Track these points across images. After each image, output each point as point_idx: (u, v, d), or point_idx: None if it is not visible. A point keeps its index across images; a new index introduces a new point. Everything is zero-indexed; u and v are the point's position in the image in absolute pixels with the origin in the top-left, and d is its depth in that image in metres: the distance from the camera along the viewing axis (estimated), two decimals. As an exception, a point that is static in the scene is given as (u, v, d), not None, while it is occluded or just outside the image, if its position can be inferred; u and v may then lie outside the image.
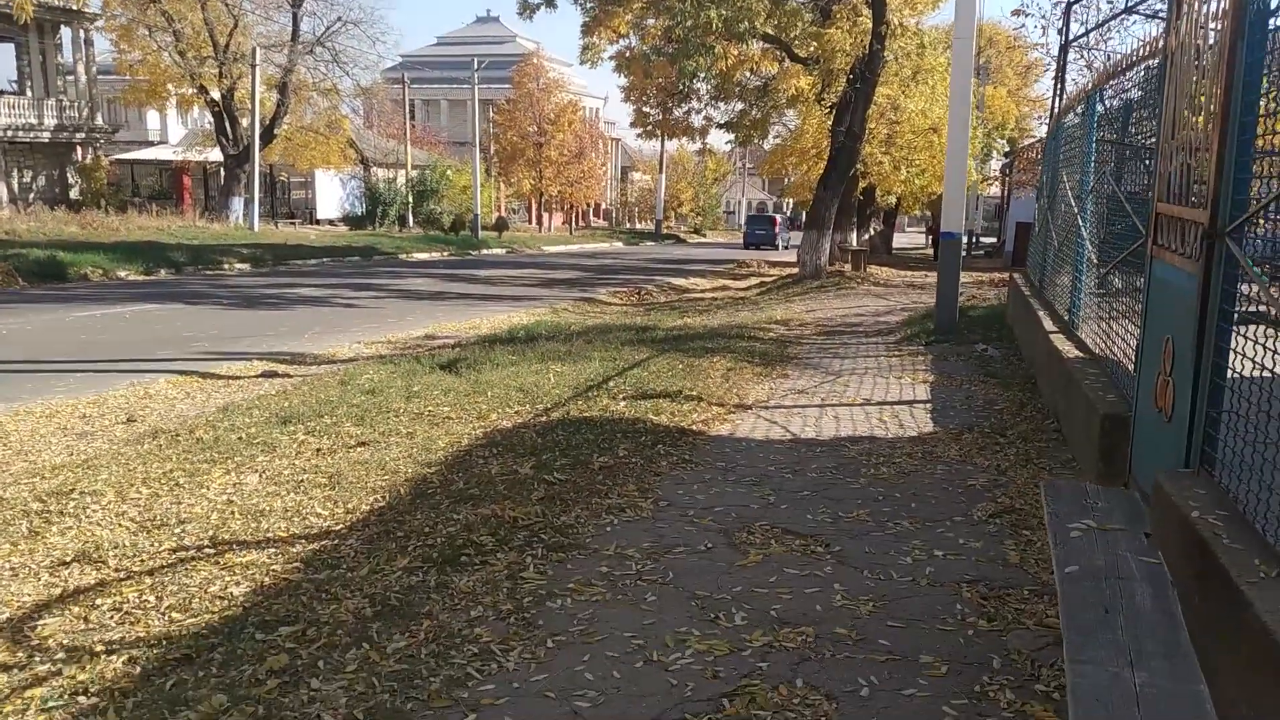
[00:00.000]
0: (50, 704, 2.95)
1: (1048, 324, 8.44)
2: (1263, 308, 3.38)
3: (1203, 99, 4.02)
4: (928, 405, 7.79)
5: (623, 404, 7.43)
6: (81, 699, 2.98)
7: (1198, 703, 2.06)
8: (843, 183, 20.21)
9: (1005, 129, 35.14)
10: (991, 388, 8.40)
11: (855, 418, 7.35)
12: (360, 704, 2.94)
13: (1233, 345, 3.76)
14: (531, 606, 3.73)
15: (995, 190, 38.86)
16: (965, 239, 36.03)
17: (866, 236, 29.45)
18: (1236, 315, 3.68)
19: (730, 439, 6.63)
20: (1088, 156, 7.64)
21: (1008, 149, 34.98)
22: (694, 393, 8.01)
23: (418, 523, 4.63)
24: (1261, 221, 3.73)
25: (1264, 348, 3.38)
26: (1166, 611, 2.46)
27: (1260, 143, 3.63)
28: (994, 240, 36.84)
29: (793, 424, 7.13)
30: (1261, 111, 3.61)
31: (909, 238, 54.01)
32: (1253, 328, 3.52)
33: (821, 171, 20.85)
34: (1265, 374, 3.25)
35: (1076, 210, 7.78)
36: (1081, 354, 7.06)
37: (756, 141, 29.53)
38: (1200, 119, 4.04)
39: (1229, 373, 3.76)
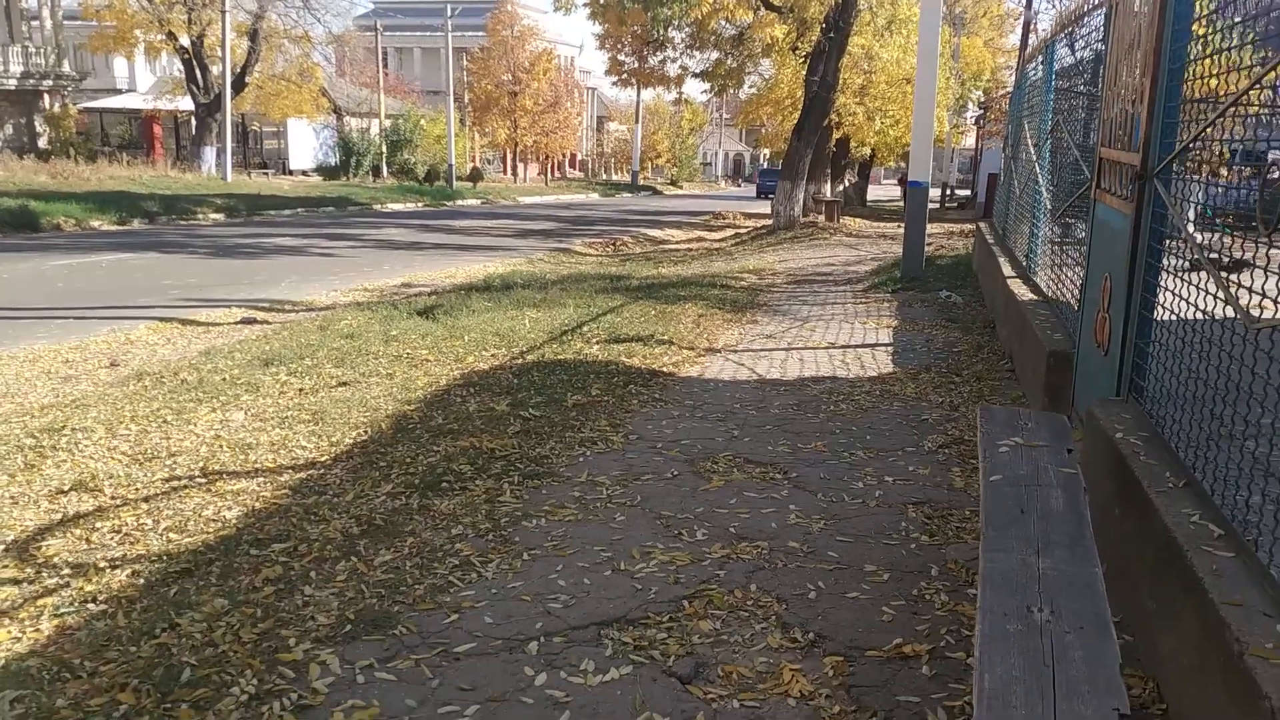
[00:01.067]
0: (62, 610, 3.19)
1: (1007, 269, 8.74)
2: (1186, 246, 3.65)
3: (1139, 47, 4.26)
4: (889, 348, 8.10)
5: (596, 348, 7.67)
6: (91, 606, 3.23)
7: (1091, 582, 2.35)
8: (816, 133, 20.33)
9: (981, 80, 35.25)
10: (952, 331, 8.71)
11: (819, 360, 7.64)
12: (351, 607, 3.21)
13: (1161, 282, 4.05)
14: (508, 526, 4.00)
15: (972, 142, 39.02)
16: (940, 191, 36.40)
17: (841, 188, 29.61)
18: (1188, 263, 3.93)
19: (699, 380, 6.90)
20: (1046, 104, 7.87)
21: (983, 100, 35.10)
22: (665, 337, 8.26)
23: (399, 454, 4.89)
24: (1226, 171, 3.98)
25: (1185, 281, 3.67)
26: (1076, 511, 2.76)
27: (1187, 89, 3.88)
28: (969, 193, 37.10)
29: (759, 366, 7.41)
30: (1190, 58, 3.85)
31: (885, 190, 54.11)
32: (1180, 263, 3.81)
33: (795, 122, 20.95)
34: (1195, 312, 3.50)
35: (1035, 158, 8.04)
36: (1036, 297, 7.37)
37: (732, 91, 29.50)
38: (1136, 66, 4.29)
39: (1158, 310, 4.06)
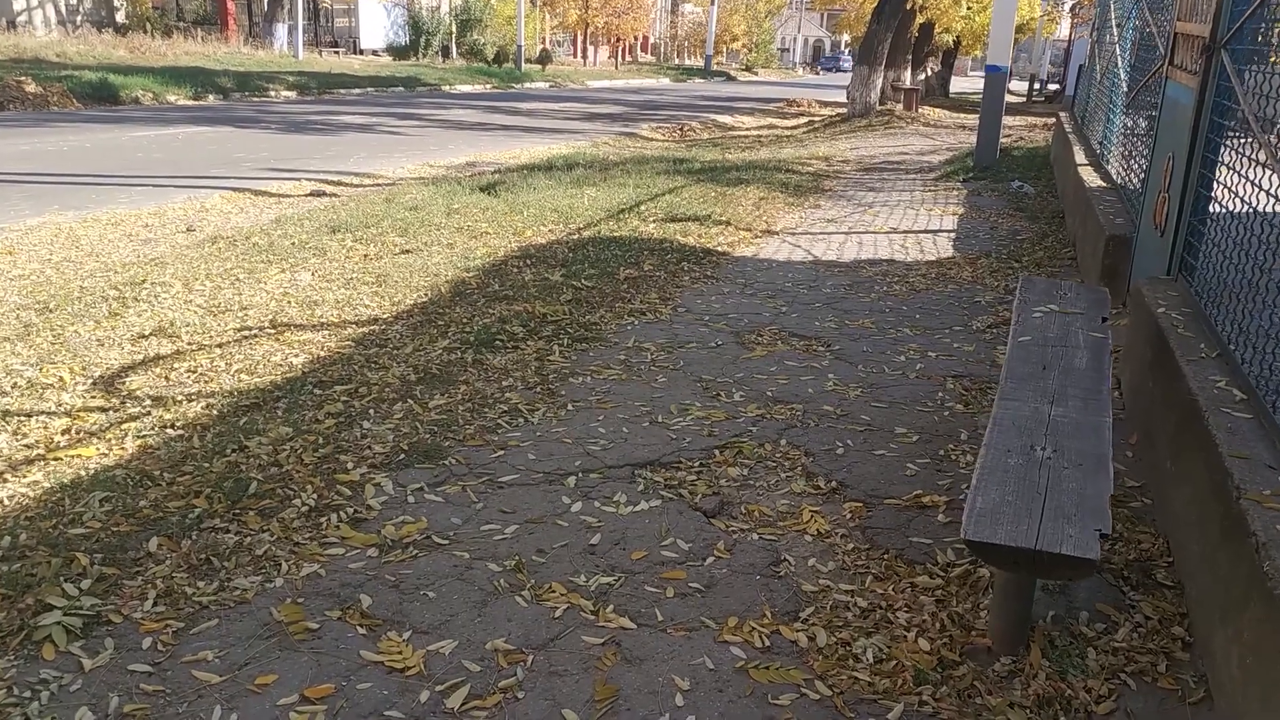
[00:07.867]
0: (144, 433, 3.49)
1: (1079, 157, 8.49)
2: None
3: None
4: (952, 234, 8.00)
5: (652, 226, 7.74)
6: (169, 431, 3.52)
7: (1099, 427, 2.43)
8: (896, 16, 19.53)
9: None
10: (1018, 220, 8.55)
11: (879, 244, 7.60)
12: (405, 440, 3.45)
13: (1221, 159, 3.96)
14: (555, 381, 4.20)
15: (1066, 32, 37.01)
16: (1028, 83, 34.74)
17: (922, 77, 28.48)
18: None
19: (753, 259, 6.95)
20: (1133, -18, 7.49)
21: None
22: (723, 218, 8.27)
23: (457, 314, 5.09)
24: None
25: (1250, 160, 3.58)
26: (1098, 370, 2.81)
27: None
28: (1057, 86, 35.39)
29: (816, 248, 7.41)
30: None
31: (971, 81, 51.88)
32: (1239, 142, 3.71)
33: (875, 5, 20.13)
34: (1252, 189, 3.42)
35: (1116, 39, 7.70)
36: (1104, 184, 7.19)
37: (811, -27, 28.26)
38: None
39: (1216, 187, 3.97)
